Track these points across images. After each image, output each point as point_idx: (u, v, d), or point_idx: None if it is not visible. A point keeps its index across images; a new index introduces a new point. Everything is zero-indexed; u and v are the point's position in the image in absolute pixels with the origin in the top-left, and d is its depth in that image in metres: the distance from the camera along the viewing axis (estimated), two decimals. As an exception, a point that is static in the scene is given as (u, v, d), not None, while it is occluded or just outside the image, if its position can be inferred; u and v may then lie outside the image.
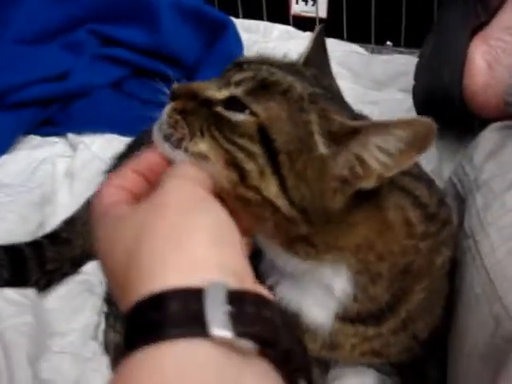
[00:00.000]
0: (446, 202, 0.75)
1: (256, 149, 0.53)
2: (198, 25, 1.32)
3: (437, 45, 0.94)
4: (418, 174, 0.68)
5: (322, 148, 0.54)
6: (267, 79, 0.55)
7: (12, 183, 1.07)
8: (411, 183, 0.64)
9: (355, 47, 1.38)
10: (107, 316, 0.86)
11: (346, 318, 0.63)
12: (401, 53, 1.35)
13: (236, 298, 0.39)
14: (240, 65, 0.58)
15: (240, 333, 0.38)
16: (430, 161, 1.03)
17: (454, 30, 0.92)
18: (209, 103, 0.56)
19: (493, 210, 0.70)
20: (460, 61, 0.90)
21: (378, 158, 0.53)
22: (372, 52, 1.39)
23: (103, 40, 1.32)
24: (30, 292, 0.87)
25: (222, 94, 0.56)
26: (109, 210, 0.49)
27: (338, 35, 1.40)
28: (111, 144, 1.15)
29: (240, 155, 0.53)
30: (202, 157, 0.53)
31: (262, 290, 0.43)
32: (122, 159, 1.00)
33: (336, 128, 0.54)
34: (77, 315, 0.88)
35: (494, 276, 0.61)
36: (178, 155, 0.54)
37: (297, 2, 1.43)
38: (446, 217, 0.70)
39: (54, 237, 0.94)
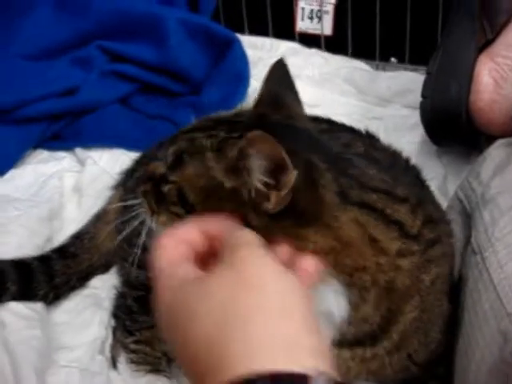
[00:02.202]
0: (441, 221, 0.72)
1: (179, 210, 0.58)
2: (205, 42, 1.33)
3: (444, 61, 0.94)
4: (400, 194, 0.65)
5: (226, 183, 0.56)
6: (184, 150, 0.58)
7: (20, 198, 1.08)
8: (381, 201, 0.61)
9: (360, 64, 1.39)
10: (114, 331, 0.86)
11: (343, 342, 0.63)
12: (405, 69, 1.36)
13: None
14: (176, 136, 0.62)
15: None
16: (435, 177, 1.04)
17: (461, 46, 0.93)
18: (158, 181, 0.61)
19: (500, 226, 0.71)
20: (467, 77, 0.91)
21: (259, 178, 0.54)
22: (377, 68, 1.40)
23: (112, 56, 1.33)
24: (38, 306, 0.88)
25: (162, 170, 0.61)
26: (176, 269, 0.49)
27: (343, 52, 1.41)
28: (119, 159, 1.16)
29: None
30: (168, 226, 0.58)
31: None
32: (129, 175, 1.01)
33: (230, 161, 0.55)
34: (84, 329, 0.89)
35: (503, 292, 0.62)
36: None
37: (302, 19, 1.44)
38: (435, 236, 0.67)
39: (61, 251, 0.95)
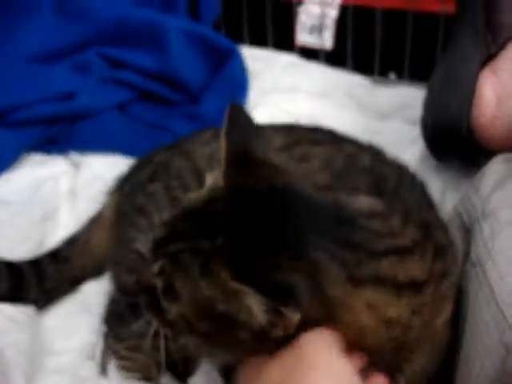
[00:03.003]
0: (448, 246, 0.70)
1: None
2: (205, 51, 1.33)
3: (446, 75, 0.94)
4: (408, 243, 0.62)
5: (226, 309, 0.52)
6: (171, 274, 0.54)
7: (14, 200, 1.07)
8: (392, 266, 0.58)
9: (359, 79, 1.39)
10: (105, 337, 0.84)
11: None
12: (404, 85, 1.36)
13: None
14: (156, 245, 0.57)
15: None
16: (433, 192, 1.03)
17: (464, 60, 0.92)
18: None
19: (500, 239, 0.70)
20: (469, 92, 0.90)
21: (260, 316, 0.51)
22: (375, 83, 1.39)
23: (111, 62, 1.33)
24: (28, 309, 0.86)
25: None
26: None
27: (342, 66, 1.41)
28: (114, 165, 1.14)
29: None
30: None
31: None
32: (125, 180, 1.00)
33: (224, 286, 0.52)
34: (74, 335, 0.87)
35: (504, 304, 0.61)
36: None
37: (302, 32, 1.44)
38: (444, 269, 0.65)
39: (54, 255, 0.94)
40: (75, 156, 1.20)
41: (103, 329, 0.85)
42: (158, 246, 0.56)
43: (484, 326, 0.62)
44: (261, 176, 0.56)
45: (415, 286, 0.60)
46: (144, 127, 1.27)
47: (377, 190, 0.74)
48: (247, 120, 0.61)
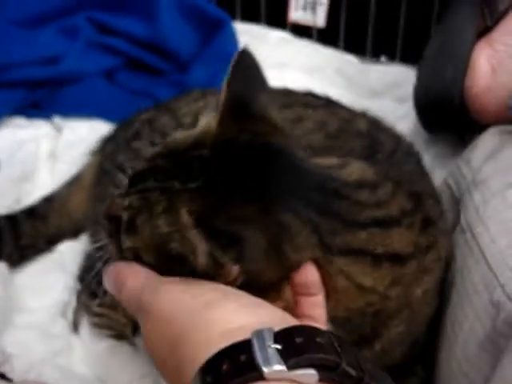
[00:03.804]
0: (438, 218, 0.69)
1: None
2: (196, 20, 1.30)
3: (441, 45, 0.93)
4: (394, 213, 0.60)
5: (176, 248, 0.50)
6: (137, 210, 0.52)
7: (-7, 159, 1.03)
8: (371, 238, 0.56)
9: (350, 57, 1.37)
10: (79, 294, 0.81)
11: None
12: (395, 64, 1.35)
13: (283, 335, 0.38)
14: (131, 180, 0.55)
15: (293, 364, 0.37)
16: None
17: (460, 30, 0.91)
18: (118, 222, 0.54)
19: (492, 205, 0.69)
20: (463, 61, 0.89)
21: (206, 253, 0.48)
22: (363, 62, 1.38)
23: (99, 28, 1.30)
24: (1, 265, 0.83)
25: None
26: None
27: (334, 44, 1.39)
28: (97, 129, 1.11)
29: None
30: None
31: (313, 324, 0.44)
32: (107, 142, 0.97)
33: (179, 222, 0.49)
34: (47, 293, 0.84)
35: (495, 265, 0.59)
36: None
37: (296, 9, 1.42)
38: (430, 242, 0.64)
39: (30, 212, 0.91)
40: (58, 120, 1.16)
41: (77, 286, 0.83)
42: (134, 181, 0.54)
43: (473, 288, 0.61)
44: (256, 132, 0.54)
45: (397, 259, 0.59)
46: (130, 95, 1.24)
47: (371, 152, 0.72)
48: (255, 69, 0.57)
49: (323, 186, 0.54)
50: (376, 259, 0.56)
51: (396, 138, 0.79)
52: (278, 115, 0.56)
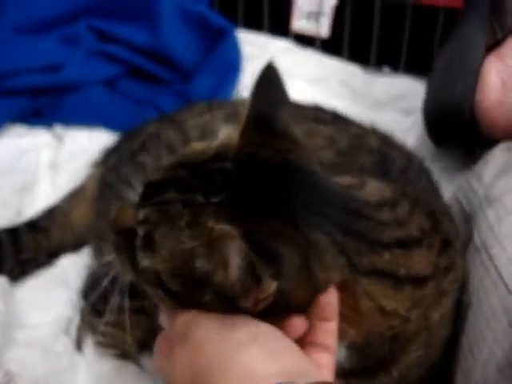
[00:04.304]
0: (455, 238, 0.67)
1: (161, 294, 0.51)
2: (199, 29, 1.29)
3: (451, 58, 0.91)
4: (415, 233, 0.59)
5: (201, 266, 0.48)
6: (156, 223, 0.50)
7: (-6, 169, 1.02)
8: (395, 260, 0.55)
9: (354, 68, 1.36)
10: (83, 311, 0.79)
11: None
12: (399, 75, 1.34)
13: None
14: (147, 191, 0.53)
15: None
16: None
17: (470, 44, 0.90)
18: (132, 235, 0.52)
19: (507, 223, 0.67)
20: (473, 75, 0.87)
21: (236, 274, 0.46)
22: (371, 74, 1.37)
23: (101, 36, 1.28)
24: (1, 279, 0.81)
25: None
26: None
27: (337, 54, 1.38)
28: (99, 139, 1.10)
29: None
30: None
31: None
32: (110, 153, 0.95)
33: (209, 236, 0.47)
34: (49, 308, 0.83)
35: (513, 287, 0.58)
36: None
37: (299, 19, 1.41)
38: (449, 263, 0.63)
39: (32, 225, 0.89)
40: (59, 129, 1.15)
41: (80, 303, 0.81)
42: (150, 191, 0.52)
43: (491, 310, 0.59)
44: (278, 148, 0.52)
45: (417, 281, 0.58)
46: (131, 103, 1.22)
47: (382, 169, 0.71)
48: (279, 84, 0.56)
49: (346, 206, 0.53)
50: (398, 281, 0.55)
51: (407, 155, 0.78)
52: (299, 132, 0.55)
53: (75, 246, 0.91)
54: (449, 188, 0.98)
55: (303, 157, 0.53)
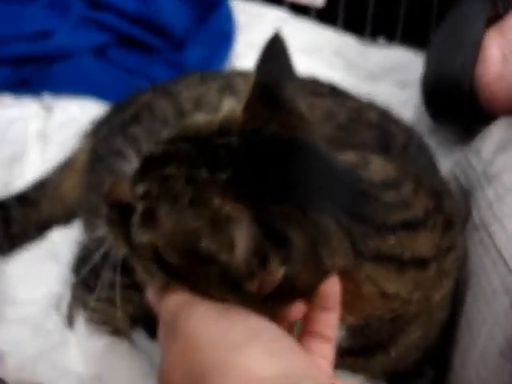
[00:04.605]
0: (456, 218, 0.67)
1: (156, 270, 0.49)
2: (192, -2, 1.26)
3: (450, 31, 0.90)
4: (419, 213, 0.59)
5: (204, 244, 0.46)
6: (157, 198, 0.48)
7: (-20, 140, 0.99)
8: (399, 243, 0.55)
9: (350, 39, 1.33)
10: (74, 287, 0.78)
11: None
12: (395, 47, 1.31)
13: None
14: (146, 164, 0.51)
15: None
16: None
17: (470, 17, 0.88)
18: (127, 209, 0.50)
19: (507, 202, 0.66)
20: (473, 49, 0.86)
21: (243, 255, 0.45)
22: (366, 45, 1.34)
23: (91, 3, 1.25)
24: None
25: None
26: None
27: (332, 24, 1.35)
28: (89, 109, 1.07)
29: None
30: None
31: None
32: (102, 124, 0.93)
33: (215, 215, 0.46)
34: (39, 284, 0.81)
35: (515, 267, 0.57)
36: None
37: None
38: (450, 244, 0.62)
39: (21, 198, 0.87)
40: (48, 99, 1.12)
41: (71, 279, 0.79)
42: (149, 165, 0.50)
43: (491, 291, 0.59)
44: (284, 123, 0.50)
45: (420, 263, 0.57)
46: (122, 72, 1.20)
47: (383, 145, 0.70)
48: (285, 56, 0.55)
49: (353, 188, 0.51)
50: (402, 265, 0.54)
51: (407, 131, 0.76)
52: (305, 107, 0.53)
53: (65, 219, 0.89)
54: (445, 163, 0.96)
55: (309, 133, 0.51)
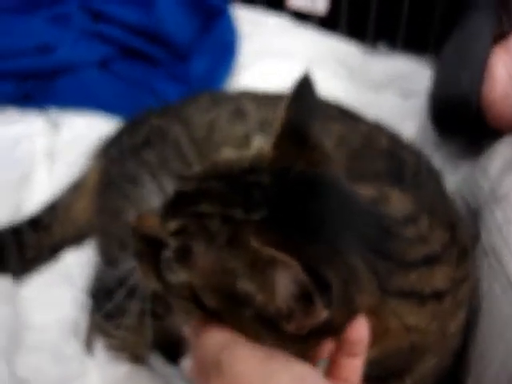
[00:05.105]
0: (470, 247, 0.69)
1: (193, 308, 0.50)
2: (194, 8, 1.25)
3: (457, 50, 0.90)
4: (437, 248, 0.60)
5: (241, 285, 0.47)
6: (192, 235, 0.48)
7: (-13, 161, 1.00)
8: (420, 279, 0.56)
9: (352, 47, 1.34)
10: (92, 313, 0.79)
11: None
12: (397, 56, 1.31)
13: None
14: (176, 201, 0.51)
15: None
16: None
17: (476, 36, 0.89)
18: (157, 244, 0.51)
19: (516, 225, 0.67)
20: (480, 67, 0.87)
21: (283, 299, 0.45)
22: (369, 53, 1.34)
23: (93, 16, 1.24)
24: (6, 280, 0.80)
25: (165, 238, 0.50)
26: None
27: (335, 31, 1.35)
28: (97, 125, 1.08)
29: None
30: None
31: None
32: (112, 143, 0.93)
33: (253, 257, 0.46)
34: (55, 307, 0.82)
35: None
36: None
37: (295, -5, 1.38)
38: (464, 274, 0.63)
39: (34, 222, 0.88)
40: (53, 114, 1.12)
41: (88, 304, 0.80)
42: (181, 201, 0.50)
43: (503, 320, 0.60)
44: (312, 161, 0.51)
45: (437, 296, 0.59)
46: (127, 85, 1.19)
47: (397, 174, 0.71)
48: (313, 96, 0.55)
49: (377, 225, 0.52)
50: (422, 299, 0.56)
51: (416, 154, 0.77)
52: (328, 143, 0.54)
53: (77, 240, 0.90)
54: (452, 178, 0.97)
55: (331, 169, 0.53)
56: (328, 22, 1.37)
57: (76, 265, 0.86)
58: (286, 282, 0.45)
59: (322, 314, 0.44)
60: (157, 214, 0.52)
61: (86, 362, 0.75)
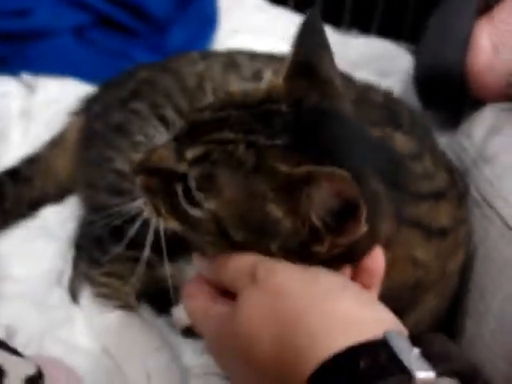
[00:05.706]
0: (465, 198, 0.70)
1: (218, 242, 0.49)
2: (174, -20, 1.25)
3: (441, 22, 0.92)
4: (442, 186, 0.63)
5: (276, 213, 0.46)
6: (216, 163, 0.47)
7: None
8: (429, 212, 0.58)
9: (328, 28, 1.35)
10: (76, 262, 0.77)
11: None
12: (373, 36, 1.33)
13: (417, 341, 0.38)
14: (193, 130, 0.50)
15: (441, 372, 0.37)
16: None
17: (460, 8, 0.91)
18: (170, 178, 0.49)
19: (508, 179, 0.69)
20: (464, 39, 0.89)
21: (320, 215, 0.45)
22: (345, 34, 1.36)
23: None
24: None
25: (181, 168, 0.49)
26: (209, 314, 0.48)
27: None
28: (72, 89, 1.05)
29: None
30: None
31: None
32: (93, 101, 0.92)
33: (282, 182, 0.45)
34: (36, 261, 0.79)
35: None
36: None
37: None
38: (463, 216, 0.66)
39: (14, 174, 0.85)
40: (27, 78, 1.09)
41: (73, 253, 0.78)
42: (198, 130, 0.49)
43: (502, 259, 0.62)
44: (324, 94, 0.51)
45: (442, 232, 0.60)
46: (103, 54, 1.17)
47: (395, 123, 0.72)
48: (320, 31, 0.56)
49: (389, 158, 0.53)
50: (429, 233, 0.57)
51: (410, 110, 0.79)
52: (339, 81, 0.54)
53: (57, 197, 0.87)
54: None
55: (343, 104, 0.52)
56: (303, 7, 1.38)
57: (56, 221, 0.84)
58: (324, 197, 0.44)
59: (362, 229, 0.44)
60: (169, 145, 0.50)
61: (72, 310, 0.73)
